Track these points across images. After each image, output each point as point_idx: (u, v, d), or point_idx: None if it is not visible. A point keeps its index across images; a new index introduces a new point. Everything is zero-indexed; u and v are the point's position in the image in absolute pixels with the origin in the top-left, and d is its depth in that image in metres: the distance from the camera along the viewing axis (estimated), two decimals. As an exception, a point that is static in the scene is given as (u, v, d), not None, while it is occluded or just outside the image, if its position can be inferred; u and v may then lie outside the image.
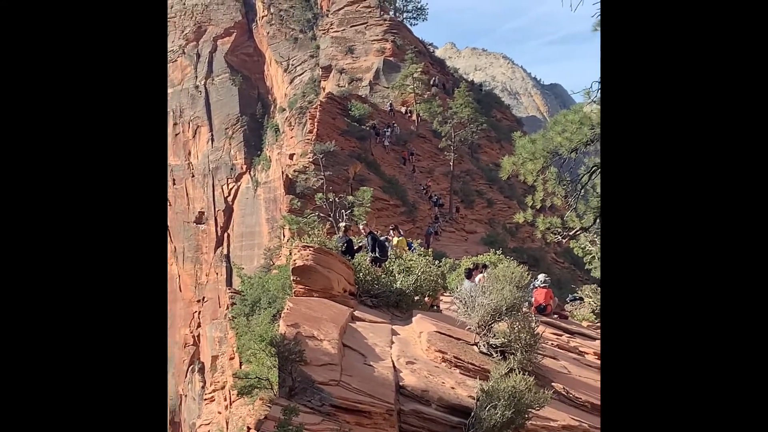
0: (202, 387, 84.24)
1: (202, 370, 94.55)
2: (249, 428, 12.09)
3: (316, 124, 54.50)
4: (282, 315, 13.42)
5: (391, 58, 79.92)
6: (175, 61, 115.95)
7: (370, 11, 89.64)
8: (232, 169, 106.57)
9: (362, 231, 22.91)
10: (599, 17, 15.93)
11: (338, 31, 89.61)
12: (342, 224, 21.86)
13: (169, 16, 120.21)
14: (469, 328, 14.25)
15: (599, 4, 15.70)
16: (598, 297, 27.12)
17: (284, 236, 47.58)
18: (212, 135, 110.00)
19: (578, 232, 19.47)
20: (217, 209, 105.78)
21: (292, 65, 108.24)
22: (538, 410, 11.47)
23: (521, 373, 11.73)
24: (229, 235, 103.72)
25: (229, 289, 50.40)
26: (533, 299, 22.34)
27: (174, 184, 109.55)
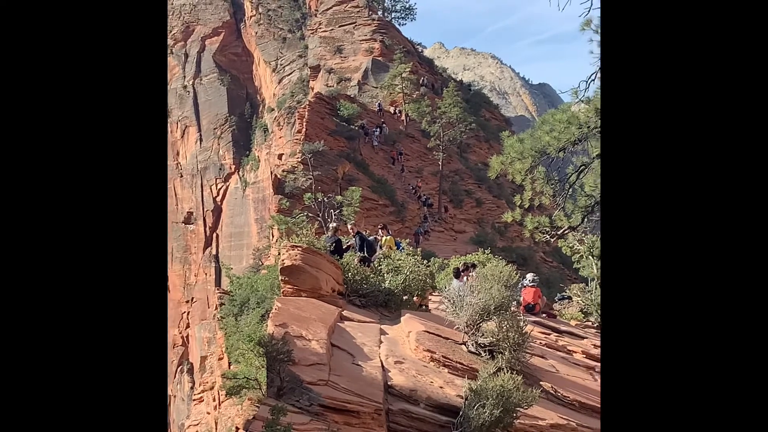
0: (191, 387, 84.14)
1: (191, 371, 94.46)
2: (237, 428, 12.06)
3: (304, 124, 54.49)
4: (270, 315, 13.41)
5: (379, 58, 79.95)
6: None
7: (358, 11, 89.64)
8: (220, 169, 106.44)
9: (350, 231, 22.91)
10: (587, 17, 15.97)
11: (327, 31, 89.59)
12: (332, 224, 21.84)
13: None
14: (458, 328, 14.27)
15: (588, 3, 15.76)
16: (587, 296, 27.22)
17: (273, 236, 47.59)
18: (201, 135, 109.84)
19: (566, 232, 19.49)
20: (205, 209, 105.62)
21: (281, 65, 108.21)
22: (527, 409, 11.49)
23: (509, 372, 11.75)
24: (217, 236, 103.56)
25: (217, 290, 50.32)
26: (522, 298, 22.39)
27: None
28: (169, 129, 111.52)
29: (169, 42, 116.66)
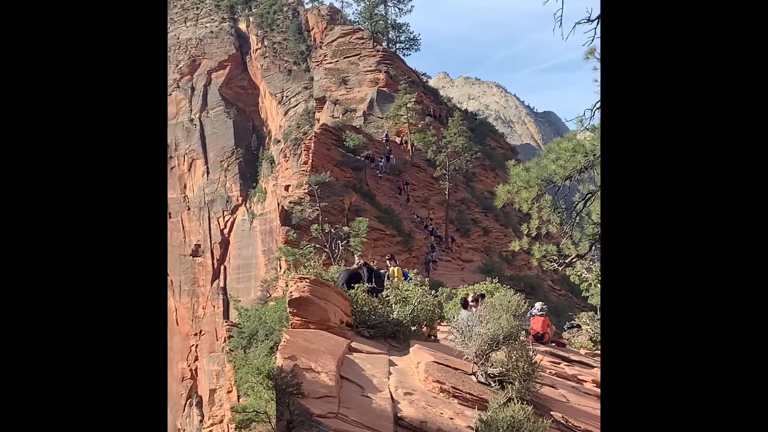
0: (201, 421, 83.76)
1: (200, 404, 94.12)
2: (247, 462, 12.06)
3: (310, 155, 54.68)
4: (279, 347, 13.37)
5: (384, 89, 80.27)
6: (170, 95, 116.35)
7: (363, 42, 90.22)
8: (227, 201, 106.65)
9: (357, 262, 22.87)
10: (591, 45, 16.06)
11: (332, 63, 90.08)
12: (359, 261, 21.87)
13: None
14: (467, 358, 14.21)
15: (592, 32, 15.84)
16: (596, 324, 27.10)
17: (280, 268, 47.62)
18: (207, 168, 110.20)
19: (574, 260, 19.46)
20: (213, 242, 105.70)
21: (287, 97, 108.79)
22: (538, 439, 11.42)
23: (520, 402, 11.68)
24: (225, 268, 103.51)
25: (226, 322, 50.31)
26: (531, 327, 22.31)
27: (170, 217, 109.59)
28: (176, 162, 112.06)
29: (176, 76, 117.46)
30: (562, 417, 13.61)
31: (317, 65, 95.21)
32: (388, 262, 25.68)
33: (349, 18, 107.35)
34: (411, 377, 13.74)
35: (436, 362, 14.28)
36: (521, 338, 14.66)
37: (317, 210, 44.97)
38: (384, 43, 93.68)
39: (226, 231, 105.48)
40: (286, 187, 63.38)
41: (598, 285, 29.70)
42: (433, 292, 20.72)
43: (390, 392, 12.47)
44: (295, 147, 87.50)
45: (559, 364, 19.35)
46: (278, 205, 58.83)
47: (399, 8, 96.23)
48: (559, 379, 17.29)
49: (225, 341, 39.65)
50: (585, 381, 18.01)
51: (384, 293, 19.40)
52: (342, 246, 34.28)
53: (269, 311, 28.08)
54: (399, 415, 11.55)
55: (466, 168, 62.13)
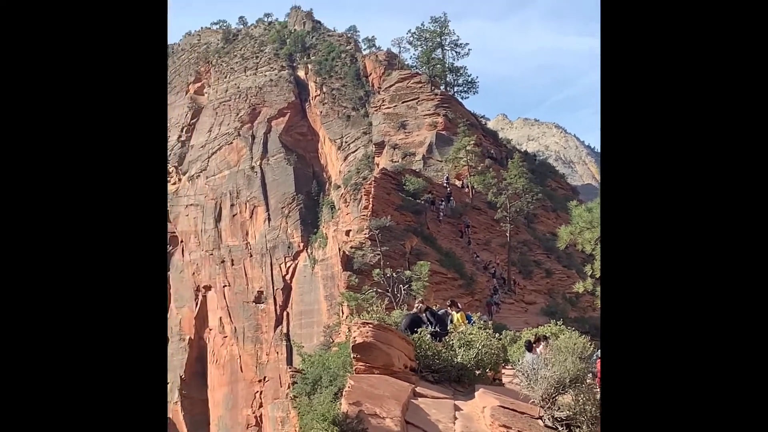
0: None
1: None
2: None
3: (371, 199, 54.81)
4: (344, 393, 13.38)
5: (443, 132, 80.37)
6: (231, 143, 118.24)
7: (421, 86, 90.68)
8: (289, 247, 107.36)
9: (416, 306, 22.80)
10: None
11: (390, 108, 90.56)
12: (418, 305, 21.84)
13: (224, 100, 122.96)
14: (533, 402, 14.05)
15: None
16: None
17: (343, 313, 47.65)
18: (269, 214, 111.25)
19: (640, 300, 19.17)
20: (275, 288, 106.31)
21: (346, 142, 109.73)
22: (608, 485, 11.20)
23: (588, 446, 11.52)
24: (288, 314, 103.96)
25: (289, 368, 50.43)
26: (597, 370, 21.94)
27: (232, 264, 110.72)
28: (237, 210, 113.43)
29: (237, 124, 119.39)
30: (633, 461, 13.34)
31: (376, 110, 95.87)
32: (449, 308, 25.54)
33: (406, 62, 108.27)
34: (477, 422, 13.63)
35: (502, 406, 14.15)
36: (588, 381, 14.46)
37: (378, 254, 44.96)
38: (442, 87, 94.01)
39: (288, 277, 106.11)
40: (347, 232, 63.59)
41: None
42: (496, 335, 20.55)
43: (456, 437, 12.38)
44: (355, 192, 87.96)
45: (627, 407, 19.00)
46: (339, 250, 59.04)
47: (456, 52, 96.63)
48: (628, 422, 16.97)
49: (289, 387, 39.69)
50: (655, 424, 17.65)
51: (447, 337, 19.33)
52: (404, 290, 34.24)
53: (333, 357, 28.02)
54: (466, 460, 11.46)
55: (527, 209, 61.76)
